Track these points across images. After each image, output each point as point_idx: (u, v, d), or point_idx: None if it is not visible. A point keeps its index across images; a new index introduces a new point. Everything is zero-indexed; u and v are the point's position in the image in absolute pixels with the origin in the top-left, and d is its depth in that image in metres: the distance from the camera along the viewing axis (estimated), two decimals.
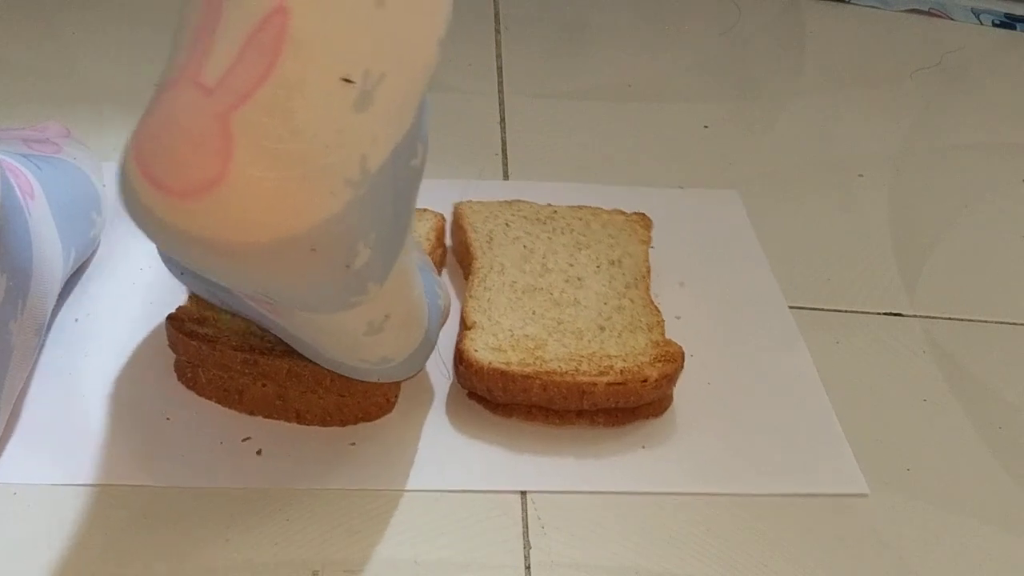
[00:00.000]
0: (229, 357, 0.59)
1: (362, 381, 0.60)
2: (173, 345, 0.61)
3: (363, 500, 0.57)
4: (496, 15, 1.01)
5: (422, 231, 0.69)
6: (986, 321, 0.74)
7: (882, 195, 0.84)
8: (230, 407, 0.61)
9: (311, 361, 0.59)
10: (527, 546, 0.57)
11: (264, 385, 0.60)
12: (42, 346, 0.62)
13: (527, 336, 0.63)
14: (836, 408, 0.65)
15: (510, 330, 0.63)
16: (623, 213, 0.73)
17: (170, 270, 0.61)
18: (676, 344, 0.63)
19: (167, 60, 0.47)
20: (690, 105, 0.92)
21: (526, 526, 0.58)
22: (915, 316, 0.73)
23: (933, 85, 0.98)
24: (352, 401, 0.60)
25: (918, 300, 0.75)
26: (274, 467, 0.58)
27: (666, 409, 0.63)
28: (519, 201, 0.73)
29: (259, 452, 0.59)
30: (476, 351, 0.61)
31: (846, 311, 0.73)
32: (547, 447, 0.61)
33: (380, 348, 0.56)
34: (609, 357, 0.62)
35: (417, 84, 0.48)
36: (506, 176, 0.82)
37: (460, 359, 0.61)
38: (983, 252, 0.80)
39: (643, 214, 0.73)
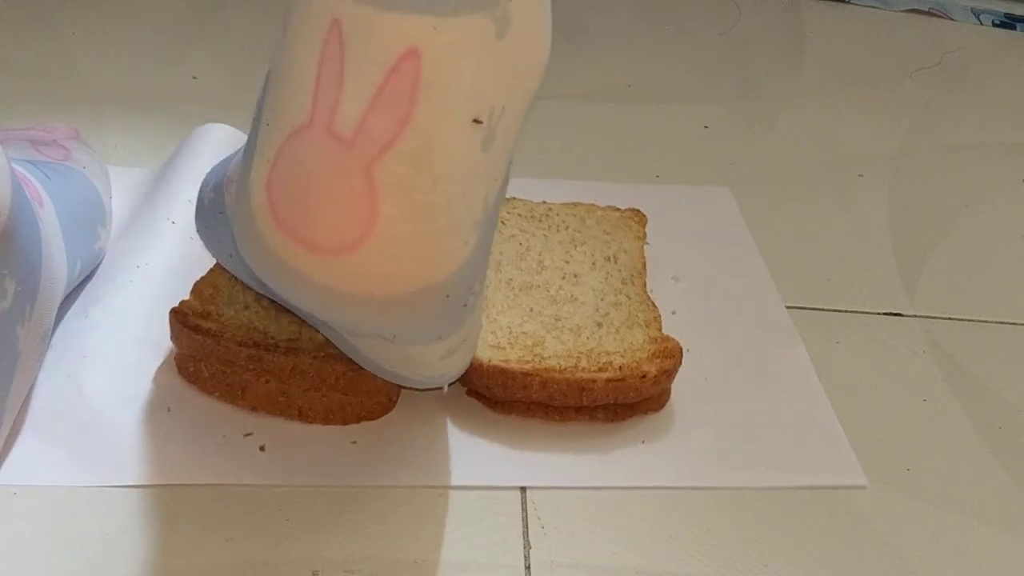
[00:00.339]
0: (233, 352, 0.59)
1: (365, 380, 0.60)
2: (176, 339, 0.61)
3: (364, 499, 0.58)
4: None
5: None
6: (986, 321, 0.74)
7: (882, 195, 0.84)
8: (232, 403, 0.61)
9: (315, 358, 0.59)
10: (527, 546, 0.57)
11: (267, 381, 0.60)
12: (46, 351, 0.62)
13: (525, 333, 0.63)
14: (836, 408, 0.65)
15: (508, 327, 0.63)
16: (617, 210, 0.73)
17: (223, 261, 0.61)
18: (674, 339, 0.63)
19: (276, 101, 0.45)
20: (690, 105, 0.92)
21: (526, 526, 0.58)
22: (915, 316, 0.73)
23: (933, 85, 0.98)
24: (355, 400, 0.60)
25: (918, 300, 0.75)
26: (276, 464, 0.58)
27: (664, 404, 0.63)
28: (514, 199, 0.73)
29: (262, 448, 0.59)
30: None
31: (846, 311, 0.73)
32: (547, 443, 0.61)
33: (447, 367, 0.56)
34: (608, 353, 0.62)
35: (525, 111, 0.46)
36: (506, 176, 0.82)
37: None
38: (983, 252, 0.80)
39: (637, 210, 0.73)
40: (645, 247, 0.72)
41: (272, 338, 0.60)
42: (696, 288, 0.72)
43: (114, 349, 0.63)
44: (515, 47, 0.44)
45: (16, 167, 0.61)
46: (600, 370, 0.61)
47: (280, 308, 0.62)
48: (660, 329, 0.64)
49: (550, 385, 0.60)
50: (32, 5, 0.96)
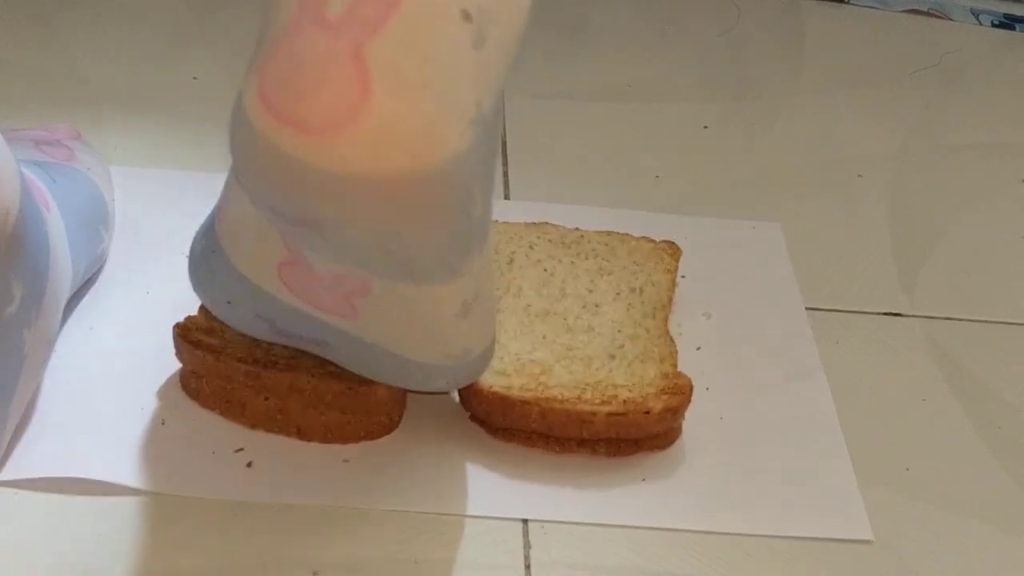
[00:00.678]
0: (232, 368, 0.59)
1: (364, 399, 0.59)
2: (179, 354, 0.61)
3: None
4: None
5: None
6: (986, 321, 0.74)
7: (882, 195, 0.84)
8: (233, 419, 0.61)
9: (313, 376, 0.59)
10: (527, 546, 0.57)
11: (266, 399, 0.60)
12: (51, 356, 0.62)
13: (534, 361, 0.62)
14: (836, 408, 0.65)
15: (517, 354, 0.62)
16: (652, 240, 0.71)
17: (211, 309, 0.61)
18: (686, 376, 0.61)
19: (271, 5, 0.46)
20: (690, 105, 0.92)
21: (526, 526, 0.58)
22: (915, 316, 0.73)
23: (933, 85, 0.98)
24: (354, 419, 0.60)
25: (918, 300, 0.75)
26: (261, 480, 0.58)
27: (673, 442, 0.62)
28: (546, 223, 0.72)
29: (249, 464, 0.59)
30: None
31: (846, 311, 0.73)
32: (546, 475, 0.60)
33: (465, 336, 0.55)
34: (615, 387, 0.61)
35: (515, 33, 0.48)
36: (506, 176, 0.82)
37: None
38: (983, 252, 0.80)
39: (672, 242, 0.71)
40: (680, 280, 0.71)
41: (273, 355, 0.60)
42: (727, 325, 0.70)
43: (117, 362, 0.63)
44: None
45: (23, 170, 0.61)
46: (603, 403, 0.59)
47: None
48: (675, 365, 0.62)
49: (549, 415, 0.59)
50: (32, 5, 0.96)
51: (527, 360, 0.62)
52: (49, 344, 0.59)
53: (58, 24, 0.94)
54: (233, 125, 0.46)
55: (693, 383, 0.61)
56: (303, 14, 0.44)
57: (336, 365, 0.59)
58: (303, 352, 0.60)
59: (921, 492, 0.61)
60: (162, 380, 0.63)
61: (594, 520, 0.58)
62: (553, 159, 0.84)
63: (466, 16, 0.45)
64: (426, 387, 0.58)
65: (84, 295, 0.67)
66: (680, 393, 0.60)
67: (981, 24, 1.07)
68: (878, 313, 0.73)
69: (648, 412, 0.59)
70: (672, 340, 0.64)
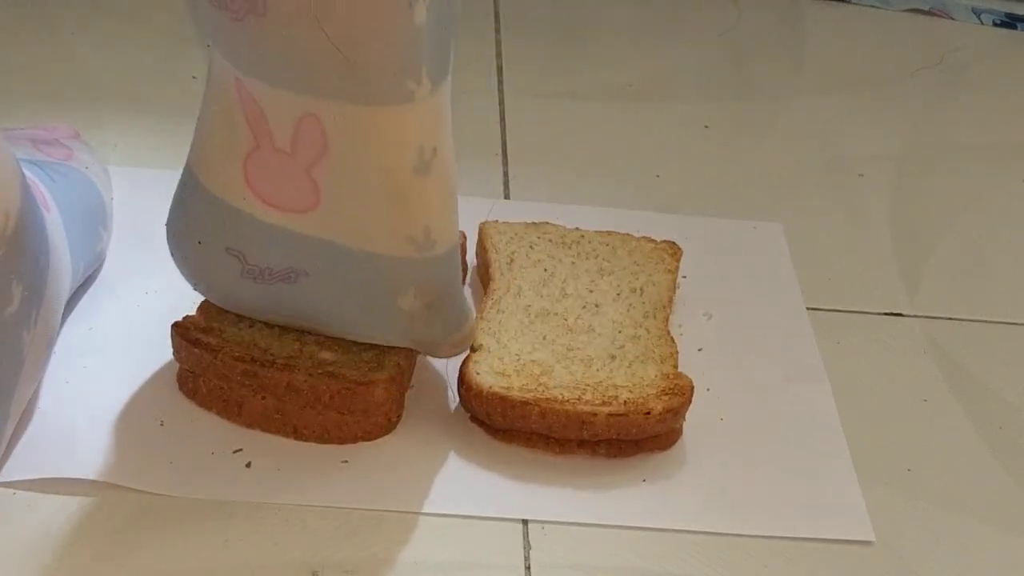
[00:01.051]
0: (229, 367, 0.59)
1: (361, 399, 0.59)
2: (177, 353, 0.61)
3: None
4: (496, 15, 1.01)
5: None
6: (986, 321, 0.73)
7: (882, 195, 0.84)
8: (230, 419, 0.61)
9: (310, 375, 0.59)
10: (527, 546, 0.57)
11: (263, 398, 0.60)
12: (51, 356, 0.62)
13: (534, 362, 0.62)
14: (837, 408, 0.65)
15: (517, 355, 0.62)
16: (652, 241, 0.71)
17: (189, 278, 0.61)
18: (686, 377, 0.61)
19: (221, 130, 0.54)
20: (690, 105, 0.92)
21: (526, 527, 0.58)
22: (915, 316, 0.73)
23: (933, 85, 0.98)
24: (351, 419, 0.60)
25: (918, 300, 0.74)
26: (260, 480, 0.58)
27: (674, 443, 0.62)
28: (546, 223, 0.72)
29: (248, 465, 0.59)
30: (478, 374, 0.60)
31: (846, 311, 0.73)
32: (546, 475, 0.60)
33: (425, 206, 0.55)
34: (615, 387, 0.61)
35: None
36: (506, 176, 0.82)
37: (461, 382, 0.61)
38: (983, 252, 0.80)
39: (673, 243, 0.71)
40: (681, 281, 0.70)
41: (270, 355, 0.60)
42: (728, 326, 0.70)
43: (115, 362, 0.63)
44: None
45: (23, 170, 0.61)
46: (603, 404, 0.59)
47: (284, 328, 0.62)
48: (675, 366, 0.62)
49: (549, 416, 0.59)
50: (32, 5, 0.96)
51: (527, 360, 0.62)
52: (48, 345, 0.59)
53: (58, 23, 0.94)
54: None
55: (694, 384, 0.61)
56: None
57: (333, 365, 0.59)
58: (300, 352, 0.60)
59: (922, 492, 0.61)
60: (161, 381, 0.62)
61: (594, 521, 0.58)
62: (553, 159, 0.84)
63: None
64: (396, 310, 0.58)
65: (83, 295, 0.67)
66: (681, 394, 0.60)
67: (982, 23, 1.06)
68: (879, 313, 0.73)
69: (649, 413, 0.59)
70: (673, 341, 0.64)
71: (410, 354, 0.62)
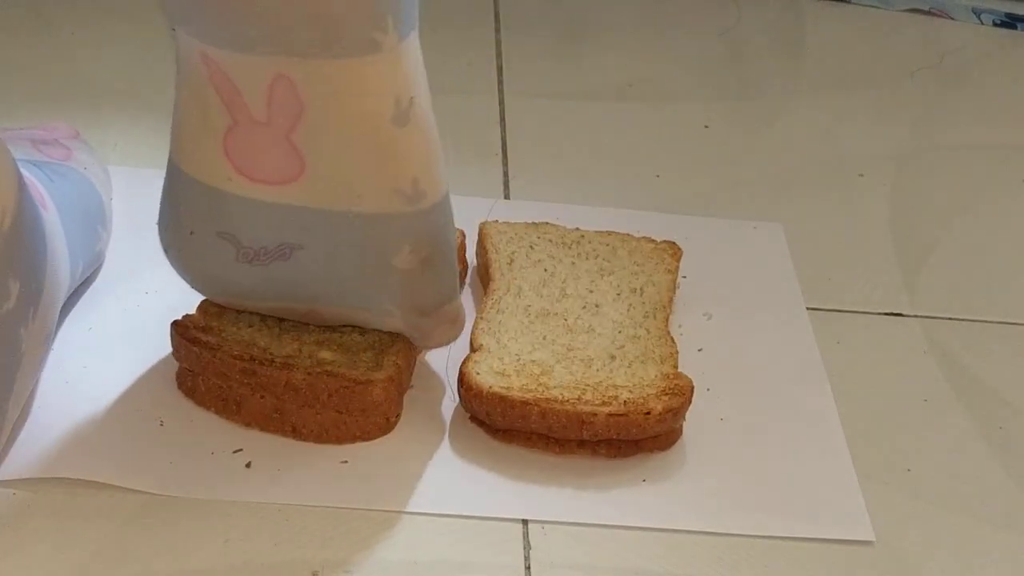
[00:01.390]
0: (228, 365, 0.59)
1: (360, 398, 0.59)
2: (176, 352, 0.61)
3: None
4: (496, 15, 1.01)
5: None
6: (986, 321, 0.73)
7: (882, 195, 0.84)
8: (228, 418, 0.61)
9: (309, 374, 0.59)
10: (527, 546, 0.57)
11: (262, 397, 0.60)
12: (48, 353, 0.62)
13: (534, 362, 0.62)
14: (837, 408, 0.65)
15: (517, 355, 0.62)
16: (652, 241, 0.71)
17: (184, 273, 0.61)
18: (686, 377, 0.61)
19: (196, 110, 0.54)
20: (690, 105, 0.92)
21: (526, 527, 0.58)
22: (915, 316, 0.73)
23: (933, 85, 0.98)
24: (350, 419, 0.60)
25: (918, 300, 0.74)
26: (260, 480, 0.58)
27: (674, 443, 0.62)
28: (546, 224, 0.72)
29: (248, 465, 0.59)
30: (478, 374, 0.60)
31: (846, 311, 0.73)
32: (546, 475, 0.60)
33: (407, 155, 0.55)
34: (615, 387, 0.60)
35: None
36: (506, 176, 0.82)
37: (461, 382, 0.61)
38: (983, 252, 0.80)
39: (673, 243, 0.71)
40: (681, 281, 0.70)
41: (269, 354, 0.60)
42: (728, 326, 0.70)
43: (115, 362, 0.63)
44: None
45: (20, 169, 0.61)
46: (603, 404, 0.59)
47: (283, 327, 0.62)
48: (675, 366, 0.62)
49: (549, 416, 0.59)
50: (32, 5, 0.96)
51: (527, 361, 0.62)
52: (46, 342, 0.59)
53: (57, 23, 0.94)
54: None
55: (694, 384, 0.61)
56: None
57: (332, 364, 0.59)
58: (300, 351, 0.60)
59: (922, 492, 0.61)
60: (160, 380, 0.62)
61: (594, 521, 0.58)
62: (553, 159, 0.84)
63: None
64: (392, 270, 0.58)
65: (82, 295, 0.67)
66: (681, 394, 0.60)
67: (982, 23, 1.06)
68: (879, 313, 0.73)
69: (649, 413, 0.59)
70: (673, 341, 0.64)
71: (409, 354, 0.62)
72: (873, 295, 0.74)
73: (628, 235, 0.72)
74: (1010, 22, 1.06)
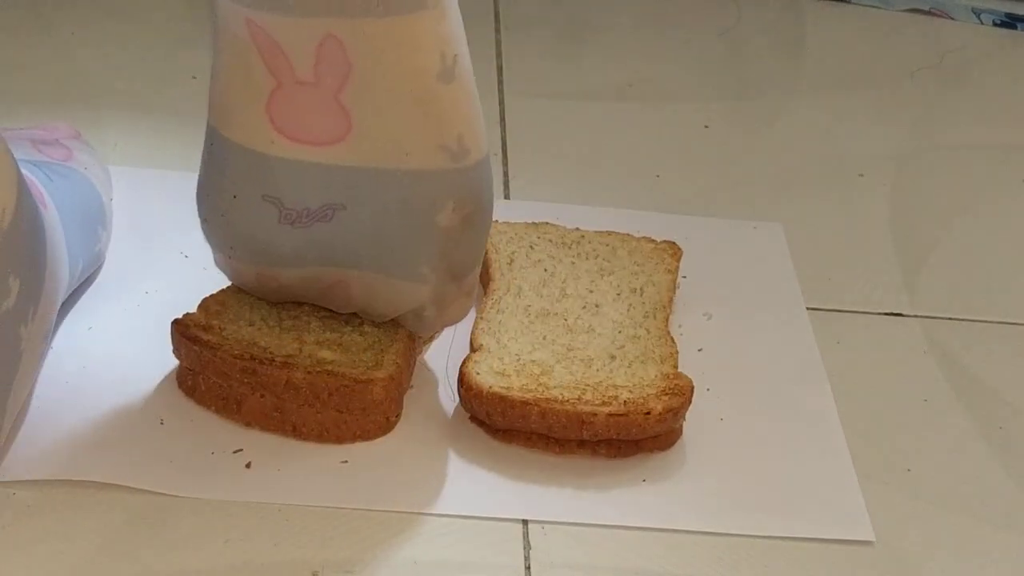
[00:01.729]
0: (228, 364, 0.59)
1: (360, 397, 0.59)
2: (177, 351, 0.61)
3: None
4: (496, 15, 1.01)
5: None
6: (986, 321, 0.74)
7: (882, 195, 0.84)
8: (228, 417, 0.61)
9: (308, 373, 0.59)
10: (527, 546, 0.57)
11: (262, 396, 0.60)
12: (47, 352, 0.62)
13: (534, 362, 0.62)
14: (837, 408, 0.65)
15: (517, 355, 0.62)
16: (652, 241, 0.71)
17: (223, 242, 0.61)
18: (686, 377, 0.61)
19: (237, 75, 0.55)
20: (690, 105, 0.92)
21: (526, 527, 0.58)
22: (915, 316, 0.73)
23: (933, 85, 0.98)
24: (350, 418, 0.60)
25: (918, 300, 0.74)
26: (261, 481, 0.58)
27: (674, 443, 0.61)
28: (546, 224, 0.72)
29: (248, 465, 0.59)
30: (478, 374, 0.60)
31: (846, 311, 0.73)
32: (546, 475, 0.60)
33: (452, 112, 0.56)
34: (615, 387, 0.60)
35: None
36: (506, 176, 0.82)
37: (461, 382, 0.61)
38: (983, 252, 0.80)
39: (673, 243, 0.71)
40: (681, 281, 0.70)
41: (270, 353, 0.60)
42: (728, 326, 0.70)
43: (114, 361, 0.63)
44: None
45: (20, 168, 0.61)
46: (603, 404, 0.59)
47: (284, 327, 0.62)
48: (675, 366, 0.62)
49: (549, 416, 0.59)
50: (31, 4, 0.96)
51: (527, 361, 0.62)
52: (45, 340, 0.59)
53: (58, 23, 0.94)
54: None
55: (694, 384, 0.61)
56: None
57: (332, 363, 0.59)
58: (300, 351, 0.60)
59: (922, 492, 0.61)
60: (160, 380, 0.63)
61: (594, 521, 0.58)
62: (553, 159, 0.84)
63: None
64: (435, 228, 0.58)
65: (82, 295, 0.67)
66: (681, 394, 0.60)
67: (982, 23, 1.07)
68: (879, 313, 0.73)
69: (649, 413, 0.59)
70: (673, 341, 0.64)
71: (409, 354, 0.62)
72: (873, 295, 0.74)
73: (628, 235, 0.72)
74: (1010, 22, 1.06)
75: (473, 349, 0.62)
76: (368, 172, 0.57)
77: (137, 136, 0.81)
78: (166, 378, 0.62)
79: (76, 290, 0.66)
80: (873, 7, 1.07)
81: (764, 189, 0.83)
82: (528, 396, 0.59)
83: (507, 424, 0.60)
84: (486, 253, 0.69)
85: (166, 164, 0.79)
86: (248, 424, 0.60)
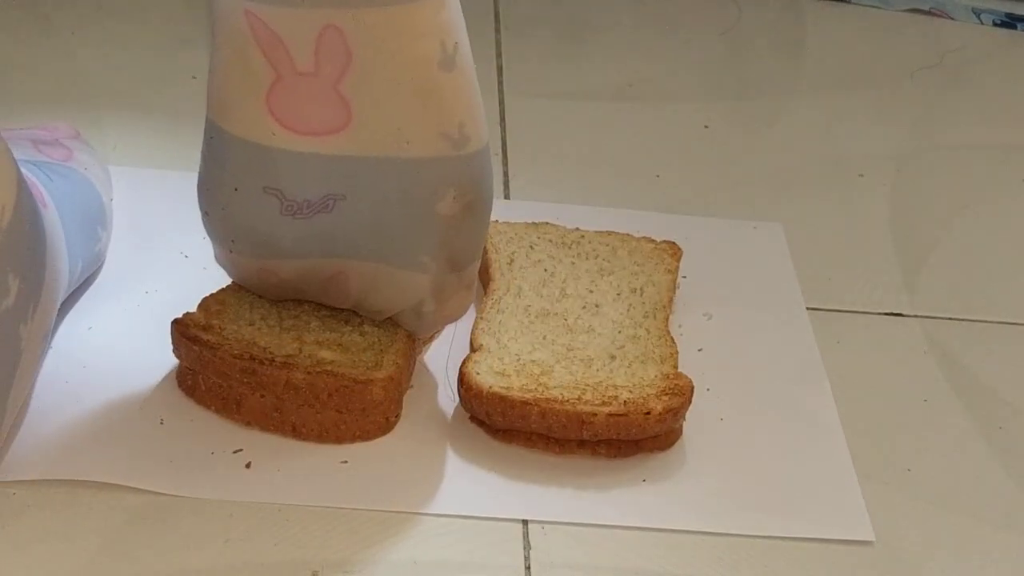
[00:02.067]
0: (228, 364, 0.59)
1: (360, 397, 0.59)
2: (176, 350, 0.61)
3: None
4: (496, 15, 1.01)
5: None
6: (986, 321, 0.74)
7: (882, 195, 0.84)
8: (228, 417, 0.61)
9: (308, 373, 0.59)
10: (527, 546, 0.57)
11: (262, 396, 0.60)
12: (47, 351, 0.62)
13: (534, 362, 0.62)
14: (837, 408, 0.65)
15: (517, 355, 0.62)
16: (652, 241, 0.71)
17: (224, 236, 0.61)
18: (686, 377, 0.61)
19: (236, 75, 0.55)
20: (690, 105, 0.92)
21: (526, 527, 0.58)
22: (915, 316, 0.73)
23: (933, 85, 0.98)
24: (350, 418, 0.60)
25: (918, 300, 0.74)
26: (261, 481, 0.58)
27: (674, 443, 0.61)
28: (546, 223, 0.72)
29: (248, 465, 0.59)
30: (478, 374, 0.60)
31: (846, 311, 0.73)
32: (546, 475, 0.59)
33: (453, 100, 0.56)
34: (615, 387, 0.60)
35: None
36: (506, 176, 0.82)
37: (461, 382, 0.61)
38: (983, 252, 0.80)
39: (673, 243, 0.71)
40: (681, 281, 0.70)
41: (270, 353, 0.60)
42: (728, 326, 0.70)
43: (114, 361, 0.63)
44: None
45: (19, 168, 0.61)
46: (603, 404, 0.59)
47: (284, 327, 0.62)
48: (675, 366, 0.62)
49: (549, 416, 0.59)
50: (32, 5, 0.96)
51: (527, 361, 0.62)
52: (44, 339, 0.59)
53: (58, 23, 0.94)
54: None
55: (694, 384, 0.61)
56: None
57: (332, 363, 0.59)
58: (300, 351, 0.60)
59: (922, 492, 0.61)
60: (160, 380, 0.63)
61: (594, 521, 0.58)
62: (553, 159, 0.84)
63: None
64: (436, 217, 0.58)
65: (83, 295, 0.67)
66: (681, 394, 0.60)
67: (982, 23, 1.07)
68: (879, 313, 0.73)
69: (649, 413, 0.59)
70: (673, 341, 0.64)
71: (409, 354, 0.62)
72: (873, 295, 0.74)
73: (628, 235, 0.72)
74: (1010, 22, 1.06)
75: (473, 349, 0.62)
76: (369, 161, 0.57)
77: (137, 136, 0.81)
78: (166, 378, 0.62)
79: (76, 290, 0.66)
80: (873, 7, 1.07)
81: (764, 189, 0.83)
82: (528, 396, 0.59)
83: (507, 424, 0.60)
84: (486, 253, 0.69)
85: (166, 164, 0.79)
86: (248, 424, 0.60)
